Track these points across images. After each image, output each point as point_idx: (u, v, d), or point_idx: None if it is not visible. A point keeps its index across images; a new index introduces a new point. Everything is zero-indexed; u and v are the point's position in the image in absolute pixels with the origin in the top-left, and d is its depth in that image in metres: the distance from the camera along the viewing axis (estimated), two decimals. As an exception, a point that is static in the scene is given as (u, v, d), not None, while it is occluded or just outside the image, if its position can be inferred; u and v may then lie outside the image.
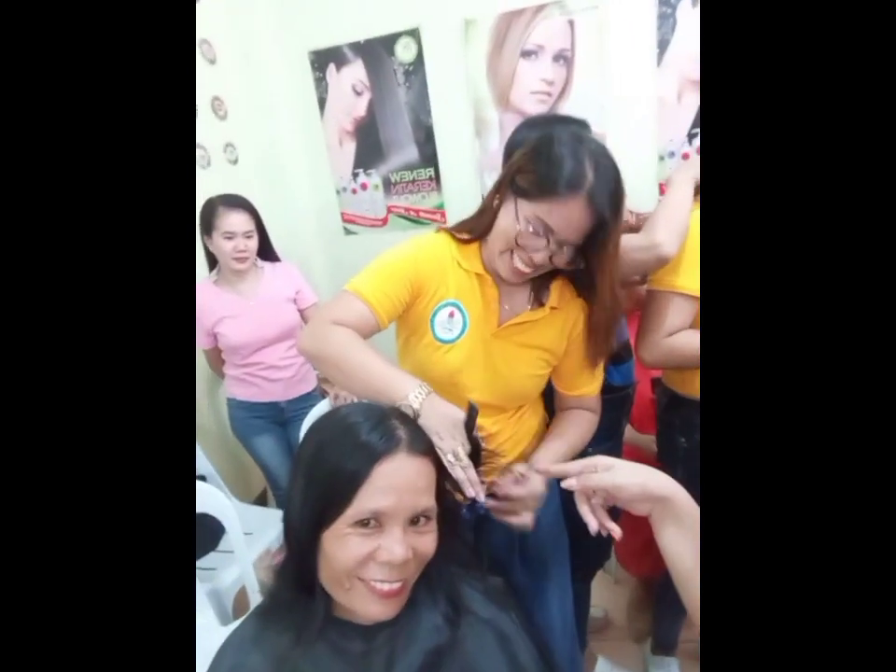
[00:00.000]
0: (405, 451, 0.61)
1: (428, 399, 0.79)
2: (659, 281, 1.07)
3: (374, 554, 0.58)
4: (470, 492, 0.79)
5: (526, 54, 2.04)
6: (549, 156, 0.84)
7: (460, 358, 0.95)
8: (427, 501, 0.62)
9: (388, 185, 2.30)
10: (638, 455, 1.56)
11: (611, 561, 1.80)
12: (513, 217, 0.86)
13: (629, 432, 1.57)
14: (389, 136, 2.24)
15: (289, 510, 0.63)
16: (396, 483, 0.59)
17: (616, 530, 0.69)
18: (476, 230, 0.95)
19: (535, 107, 2.07)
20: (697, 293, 1.02)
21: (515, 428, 1.04)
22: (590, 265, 0.91)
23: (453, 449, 0.82)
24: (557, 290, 0.99)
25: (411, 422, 0.66)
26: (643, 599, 1.72)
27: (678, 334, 1.06)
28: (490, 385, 0.97)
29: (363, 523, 0.58)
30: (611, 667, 1.60)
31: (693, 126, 1.99)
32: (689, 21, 1.90)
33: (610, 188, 0.84)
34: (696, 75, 1.95)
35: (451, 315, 0.95)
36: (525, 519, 0.88)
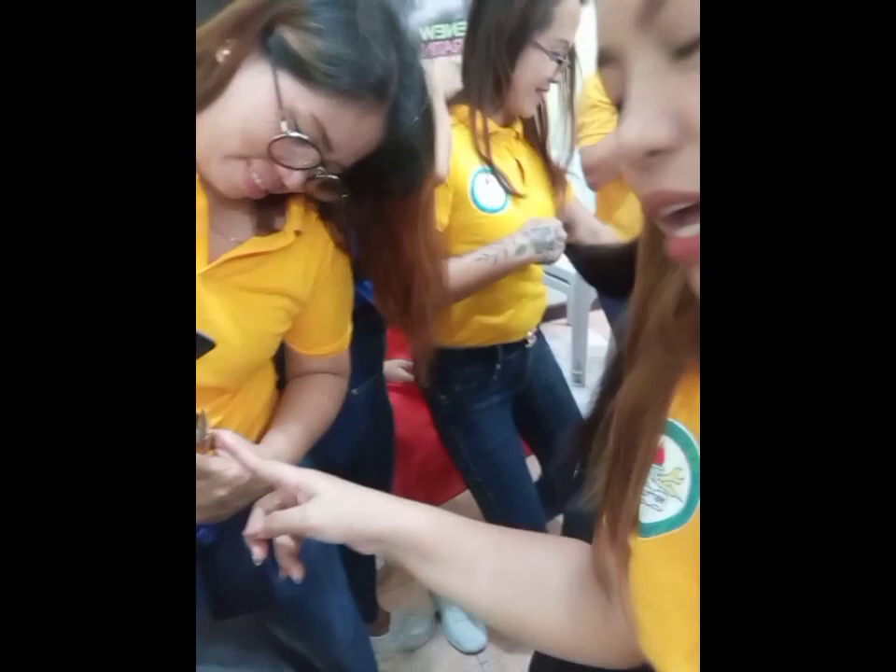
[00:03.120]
0: None
1: None
2: None
3: None
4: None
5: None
6: (346, 22, 0.53)
7: None
8: None
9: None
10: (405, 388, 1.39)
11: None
12: (269, 102, 0.53)
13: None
14: None
15: None
16: None
17: (298, 575, 0.51)
18: None
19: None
20: None
21: (243, 414, 0.72)
22: (390, 217, 0.65)
23: None
24: (300, 206, 0.67)
25: None
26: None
27: None
28: (201, 356, 0.62)
29: None
30: (406, 616, 1.47)
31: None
32: None
33: (424, 104, 0.59)
34: None
35: None
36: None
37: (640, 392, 0.35)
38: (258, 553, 0.50)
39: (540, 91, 0.95)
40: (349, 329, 0.79)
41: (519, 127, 1.02)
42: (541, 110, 1.03)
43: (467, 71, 0.94)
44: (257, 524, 0.50)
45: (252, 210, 0.65)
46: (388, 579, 1.61)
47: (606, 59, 0.27)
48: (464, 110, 0.94)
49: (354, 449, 1.03)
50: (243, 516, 0.56)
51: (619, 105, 0.27)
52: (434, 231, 0.72)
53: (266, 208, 0.65)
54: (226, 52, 0.54)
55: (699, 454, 0.32)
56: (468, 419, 1.11)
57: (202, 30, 0.56)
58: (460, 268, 0.93)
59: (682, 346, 0.32)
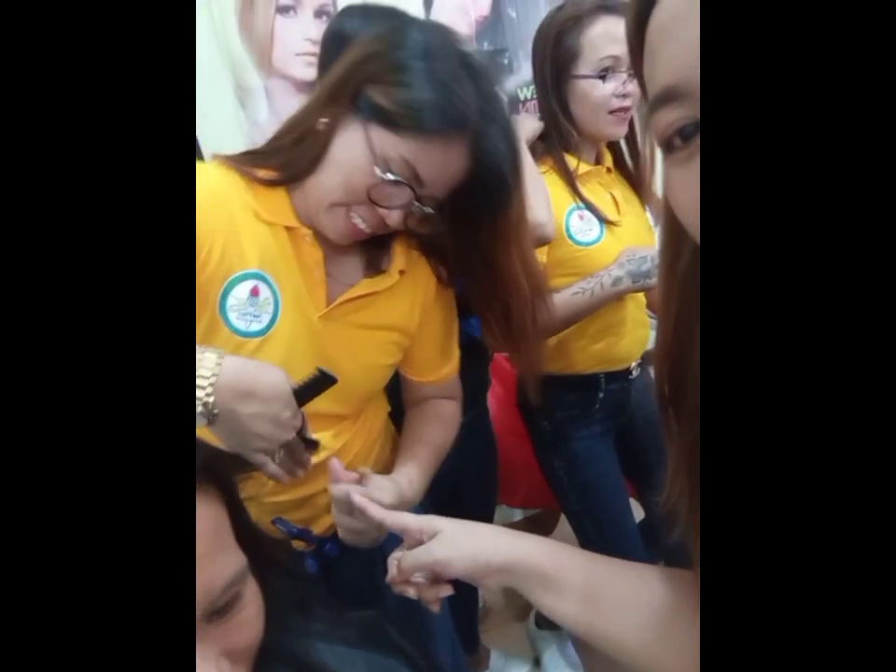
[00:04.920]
0: None
1: (220, 387, 0.53)
2: None
3: None
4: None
5: (283, 10, 1.80)
6: (424, 70, 0.59)
7: (275, 358, 0.65)
8: (227, 569, 0.35)
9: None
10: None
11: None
12: (364, 154, 0.60)
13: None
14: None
15: None
16: None
17: (437, 608, 0.55)
18: (290, 167, 0.66)
19: (303, 71, 1.84)
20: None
21: (363, 438, 0.79)
22: (484, 241, 0.69)
23: (279, 444, 0.58)
24: (402, 247, 0.74)
25: None
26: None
27: None
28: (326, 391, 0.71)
29: None
30: (507, 657, 1.46)
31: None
32: (450, -29, 1.84)
33: (505, 129, 0.64)
34: (465, 29, 1.90)
35: (254, 292, 0.65)
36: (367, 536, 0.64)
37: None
38: (411, 594, 0.54)
39: (616, 112, 0.96)
40: (457, 355, 0.84)
41: (609, 162, 1.07)
42: (630, 140, 1.05)
43: (545, 125, 1.02)
44: (392, 570, 0.54)
45: (361, 255, 0.73)
46: (486, 619, 1.62)
47: (672, 96, 0.27)
48: (549, 160, 1.01)
49: (454, 478, 1.07)
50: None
51: (684, 135, 0.28)
52: (530, 252, 0.75)
53: (373, 252, 0.73)
54: (324, 121, 0.63)
55: None
56: (568, 447, 1.12)
57: (304, 107, 0.66)
58: (558, 302, 0.97)
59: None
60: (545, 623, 1.47)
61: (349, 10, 0.90)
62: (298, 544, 0.73)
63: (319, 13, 1.81)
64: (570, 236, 0.99)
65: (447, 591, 0.53)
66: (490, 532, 0.51)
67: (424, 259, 0.76)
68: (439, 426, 0.81)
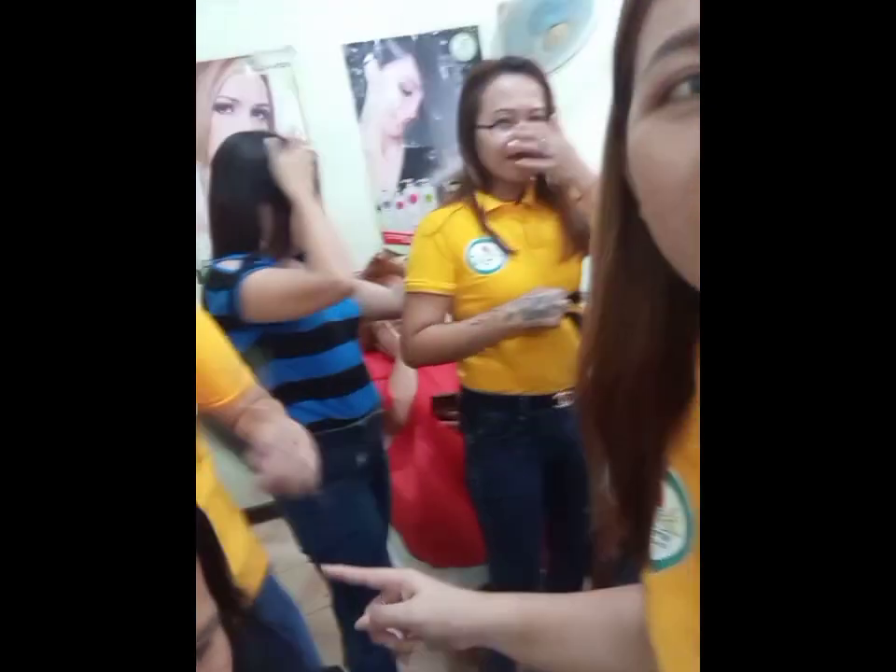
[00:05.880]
0: None
1: None
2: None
3: None
4: None
5: (221, 108, 1.91)
6: None
7: None
8: (199, 617, 0.35)
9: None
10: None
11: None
12: None
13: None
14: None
15: None
16: None
17: (419, 645, 0.54)
18: None
19: (239, 162, 1.93)
20: (429, 289, 1.07)
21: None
22: None
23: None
24: None
25: None
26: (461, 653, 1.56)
27: (424, 330, 1.07)
28: None
29: None
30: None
31: (402, 177, 2.08)
32: (378, 80, 2.02)
33: None
34: (394, 129, 2.07)
35: None
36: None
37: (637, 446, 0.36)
38: (390, 644, 0.53)
39: (514, 158, 1.03)
40: (247, 370, 0.90)
41: (529, 198, 1.11)
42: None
43: (463, 169, 1.12)
44: (365, 618, 0.53)
45: None
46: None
47: (687, 40, 0.24)
48: (464, 199, 1.09)
49: (324, 545, 1.11)
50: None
51: (695, 85, 0.25)
52: None
53: None
54: None
55: (685, 492, 0.35)
56: (487, 463, 1.16)
57: None
58: (456, 330, 1.06)
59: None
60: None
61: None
62: None
63: (256, 111, 1.92)
64: (471, 266, 1.06)
65: (419, 646, 0.53)
66: (462, 598, 0.52)
67: None
68: None
